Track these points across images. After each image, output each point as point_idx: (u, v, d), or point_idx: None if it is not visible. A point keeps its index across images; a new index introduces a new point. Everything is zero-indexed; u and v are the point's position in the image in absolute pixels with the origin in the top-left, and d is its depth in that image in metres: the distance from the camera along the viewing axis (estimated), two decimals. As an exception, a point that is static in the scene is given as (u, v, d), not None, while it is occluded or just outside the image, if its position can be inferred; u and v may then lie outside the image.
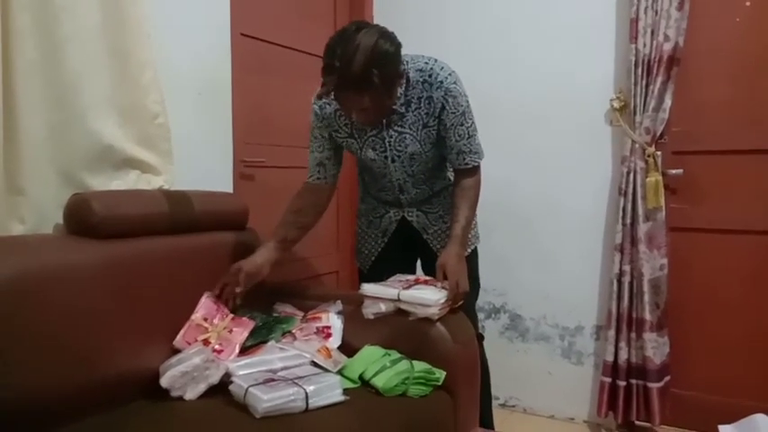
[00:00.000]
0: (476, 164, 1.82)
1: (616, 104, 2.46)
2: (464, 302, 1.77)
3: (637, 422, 2.47)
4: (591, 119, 2.56)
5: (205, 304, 1.66)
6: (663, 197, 2.34)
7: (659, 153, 2.37)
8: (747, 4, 2.32)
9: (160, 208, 1.65)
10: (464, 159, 1.80)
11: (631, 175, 2.38)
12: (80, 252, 1.45)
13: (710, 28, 2.38)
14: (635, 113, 2.37)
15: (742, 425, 1.29)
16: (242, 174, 2.22)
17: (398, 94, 1.71)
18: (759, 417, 1.28)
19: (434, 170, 1.90)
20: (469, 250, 1.98)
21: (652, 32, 2.31)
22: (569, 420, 2.66)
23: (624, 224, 2.40)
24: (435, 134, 1.78)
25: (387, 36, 1.57)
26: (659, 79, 2.30)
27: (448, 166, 1.93)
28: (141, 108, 1.73)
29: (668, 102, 2.32)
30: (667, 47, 2.28)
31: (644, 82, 2.34)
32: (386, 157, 1.82)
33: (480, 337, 2.04)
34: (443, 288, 1.68)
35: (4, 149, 1.44)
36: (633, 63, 2.34)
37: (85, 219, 1.50)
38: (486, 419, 2.04)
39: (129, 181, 1.72)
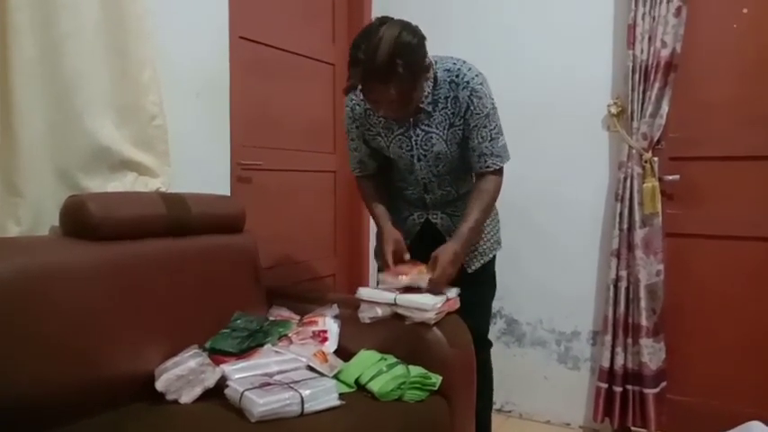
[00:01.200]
0: (497, 167, 1.82)
1: (613, 110, 2.47)
2: (472, 307, 1.78)
3: (633, 428, 2.47)
4: (588, 124, 2.57)
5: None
6: (659, 203, 2.35)
7: (656, 159, 2.37)
8: (744, 11, 2.33)
9: (157, 210, 1.65)
10: (485, 162, 1.80)
11: (628, 181, 2.39)
12: (77, 254, 1.45)
13: (708, 34, 2.39)
14: (632, 119, 2.38)
15: None
16: (239, 176, 2.22)
17: (426, 93, 1.73)
18: (754, 424, 1.28)
19: (460, 172, 1.90)
20: (491, 256, 2.00)
21: (649, 38, 2.32)
22: (565, 426, 2.66)
23: (621, 230, 2.41)
24: (461, 134, 1.80)
25: (410, 28, 1.60)
26: (656, 85, 2.31)
27: None
28: (139, 109, 1.73)
29: (665, 108, 2.33)
30: (665, 53, 2.28)
31: (641, 88, 2.35)
32: (412, 156, 1.83)
33: (488, 344, 2.04)
34: (429, 273, 1.69)
35: (1, 150, 1.44)
36: (631, 69, 2.35)
37: (82, 220, 1.49)
38: (485, 425, 2.04)
39: (126, 183, 1.72)
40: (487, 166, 1.81)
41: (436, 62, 1.74)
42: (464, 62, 1.77)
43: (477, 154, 1.80)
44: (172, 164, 1.84)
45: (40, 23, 1.50)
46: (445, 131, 1.78)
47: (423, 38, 1.62)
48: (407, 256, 1.81)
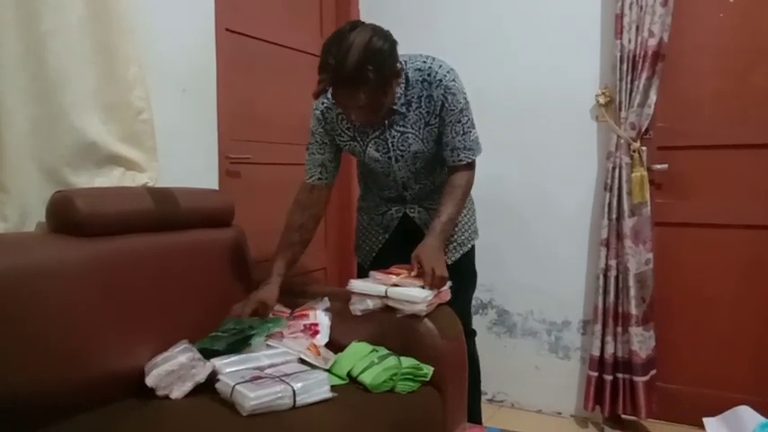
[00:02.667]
0: (469, 160, 1.82)
1: (602, 100, 2.48)
2: (452, 297, 1.78)
3: (623, 416, 2.49)
4: (577, 115, 2.57)
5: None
6: (648, 192, 2.36)
7: (644, 148, 2.38)
8: (731, 0, 2.34)
9: (145, 205, 1.63)
10: (458, 156, 1.80)
11: (617, 171, 2.40)
12: (64, 250, 1.44)
13: (695, 24, 2.40)
14: (620, 109, 2.38)
15: (726, 417, 1.30)
16: (228, 170, 2.21)
17: (398, 95, 1.72)
18: (742, 409, 1.29)
19: (437, 164, 1.90)
20: (470, 246, 2.00)
21: (637, 28, 2.32)
22: (557, 415, 2.68)
23: (610, 219, 2.42)
24: (437, 132, 1.79)
25: (381, 33, 1.57)
26: (644, 75, 2.32)
27: None
28: (126, 104, 1.71)
29: (653, 97, 2.34)
30: (652, 42, 2.29)
31: (629, 78, 2.36)
32: (389, 158, 1.82)
33: (472, 333, 2.05)
34: (418, 275, 1.68)
35: (-15, 146, 1.43)
36: (618, 59, 2.36)
37: (69, 216, 1.48)
38: (475, 415, 2.05)
39: (113, 178, 1.70)
40: (460, 160, 1.81)
41: (406, 62, 1.72)
42: (434, 59, 1.75)
43: (450, 148, 1.80)
44: (159, 158, 1.83)
45: (25, 20, 1.49)
46: (421, 130, 1.77)
47: (394, 43, 1.60)
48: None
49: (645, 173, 2.35)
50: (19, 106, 1.48)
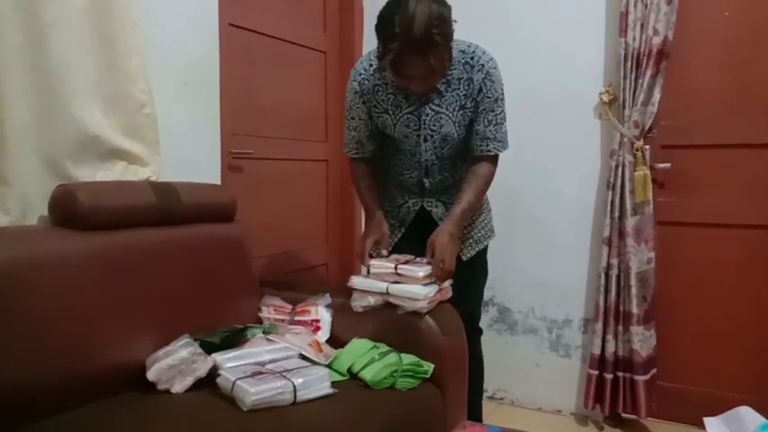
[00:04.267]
0: (498, 152, 1.83)
1: (605, 98, 2.47)
2: (464, 294, 1.78)
3: (623, 414, 2.49)
4: (580, 112, 2.57)
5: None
6: (651, 191, 2.35)
7: (648, 147, 2.38)
8: (736, -2, 2.33)
9: (147, 199, 1.63)
10: (487, 146, 1.81)
11: (620, 169, 2.39)
12: (66, 243, 1.44)
13: (700, 22, 2.39)
14: (624, 107, 2.38)
15: (727, 417, 1.30)
16: (230, 165, 2.21)
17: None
18: (743, 409, 1.29)
19: (460, 158, 1.90)
20: (485, 244, 2.00)
21: (641, 26, 2.31)
22: (557, 412, 2.68)
23: (612, 218, 2.41)
24: (470, 117, 1.80)
25: (440, 0, 1.60)
26: (648, 73, 2.31)
27: None
28: (128, 97, 1.71)
29: (657, 96, 2.33)
30: (656, 40, 2.28)
31: (633, 76, 2.35)
32: (419, 135, 1.82)
33: (479, 331, 2.05)
34: (429, 264, 1.69)
35: (-13, 139, 1.42)
36: (622, 57, 2.35)
37: (71, 210, 1.48)
38: (477, 412, 2.05)
39: (115, 172, 1.70)
40: (488, 150, 1.81)
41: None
42: (478, 46, 1.78)
43: (479, 137, 1.80)
44: (162, 152, 1.82)
45: (25, 11, 1.48)
46: (455, 113, 1.78)
47: (450, 7, 1.63)
48: (385, 253, 1.81)
49: (648, 171, 2.35)
50: (20, 98, 1.48)
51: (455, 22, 1.64)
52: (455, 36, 1.69)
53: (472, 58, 1.74)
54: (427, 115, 1.79)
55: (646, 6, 2.30)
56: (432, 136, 1.81)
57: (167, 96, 1.88)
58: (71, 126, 1.57)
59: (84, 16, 1.59)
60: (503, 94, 1.80)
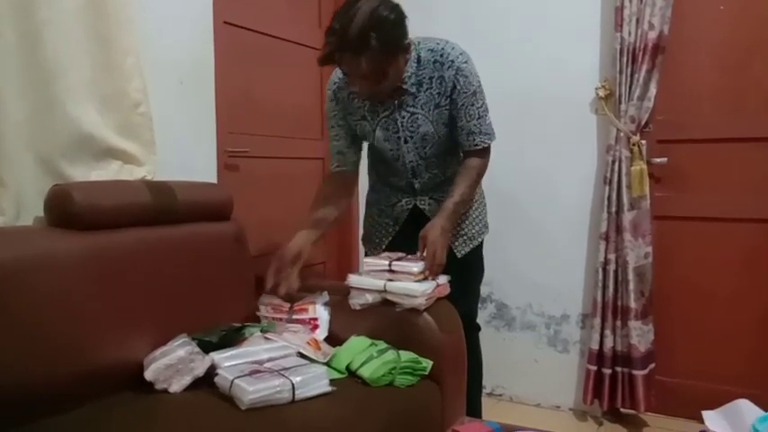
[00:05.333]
0: (485, 144, 1.83)
1: (601, 93, 2.47)
2: (460, 291, 1.78)
3: (622, 409, 2.49)
4: (576, 108, 2.57)
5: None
6: (647, 186, 2.36)
7: (644, 142, 2.38)
8: (731, -8, 2.33)
9: (143, 199, 1.63)
10: (474, 140, 1.81)
11: (616, 164, 2.39)
12: (62, 243, 1.43)
13: (695, 16, 2.39)
14: (620, 102, 2.38)
15: (725, 410, 1.30)
16: (226, 164, 2.20)
17: (409, 74, 1.73)
18: (742, 402, 1.29)
19: (447, 154, 1.90)
20: (480, 240, 2.00)
21: (637, 21, 2.31)
22: (555, 408, 2.68)
23: (609, 213, 2.42)
24: (447, 114, 1.79)
25: (388, 4, 1.59)
26: (644, 68, 2.31)
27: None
28: (123, 96, 1.70)
29: (653, 90, 2.33)
30: (652, 35, 2.28)
31: (629, 70, 2.35)
32: (398, 138, 1.82)
33: (477, 328, 2.05)
34: (421, 260, 1.69)
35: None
36: (618, 51, 2.35)
37: (67, 210, 1.47)
38: (475, 408, 2.05)
39: (110, 171, 1.69)
40: (476, 144, 1.81)
41: (419, 43, 1.74)
42: (447, 42, 1.76)
43: (465, 132, 1.80)
44: (157, 151, 1.82)
45: (20, 9, 1.47)
46: (431, 112, 1.77)
47: (402, 15, 1.61)
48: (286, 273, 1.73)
49: (644, 166, 2.35)
50: (14, 97, 1.47)
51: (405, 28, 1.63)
52: (426, 34, 1.71)
53: (441, 56, 1.73)
54: (403, 117, 1.79)
55: (641, 1, 2.30)
56: (411, 137, 1.81)
57: (163, 95, 1.87)
58: (66, 125, 1.56)
59: (80, 15, 1.58)
60: (479, 86, 1.78)
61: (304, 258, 1.77)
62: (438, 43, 1.75)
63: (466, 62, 1.74)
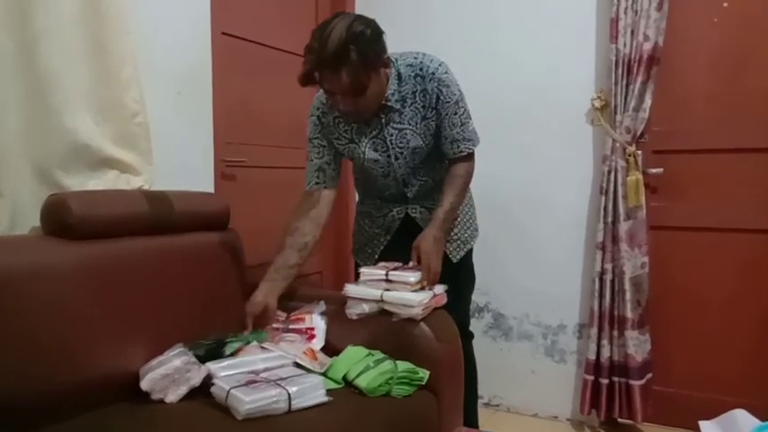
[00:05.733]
0: (470, 150, 1.84)
1: (597, 104, 2.48)
2: (452, 299, 1.78)
3: (619, 419, 2.49)
4: (573, 118, 2.58)
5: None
6: (643, 196, 2.37)
7: (640, 152, 2.39)
8: (725, 4, 2.36)
9: (139, 208, 1.63)
10: (458, 147, 1.82)
11: (612, 174, 2.40)
12: (58, 253, 1.43)
13: (689, 28, 2.41)
14: (616, 113, 2.39)
15: (722, 420, 1.29)
16: (223, 173, 2.20)
17: (392, 91, 1.73)
18: (738, 412, 1.29)
19: (435, 161, 1.90)
20: (471, 244, 2.00)
21: (632, 32, 2.33)
22: (553, 419, 2.68)
23: (605, 223, 2.42)
24: (434, 125, 1.80)
25: (363, 20, 1.61)
26: (639, 79, 2.32)
27: None
28: (120, 106, 1.70)
29: (648, 101, 2.34)
30: (647, 46, 2.30)
31: (624, 81, 2.36)
32: (389, 156, 1.82)
33: (470, 335, 2.05)
34: (417, 269, 1.69)
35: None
36: (614, 63, 2.36)
37: (63, 219, 1.47)
38: (472, 418, 2.05)
39: (107, 181, 1.69)
40: (460, 151, 1.82)
41: (397, 59, 1.75)
42: (424, 54, 1.77)
43: (449, 141, 1.81)
44: (154, 161, 1.82)
45: (17, 19, 1.48)
46: (418, 125, 1.78)
47: (378, 30, 1.63)
48: (245, 332, 1.70)
49: (640, 176, 2.36)
50: (11, 107, 1.48)
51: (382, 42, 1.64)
52: (422, 45, 1.72)
53: (421, 69, 1.74)
54: (391, 135, 1.79)
55: (636, 13, 2.32)
56: (401, 153, 1.81)
57: (160, 105, 1.88)
58: (63, 135, 1.56)
59: (77, 25, 1.59)
60: (461, 94, 1.79)
61: (273, 310, 1.74)
62: (416, 57, 1.76)
63: (446, 72, 1.76)
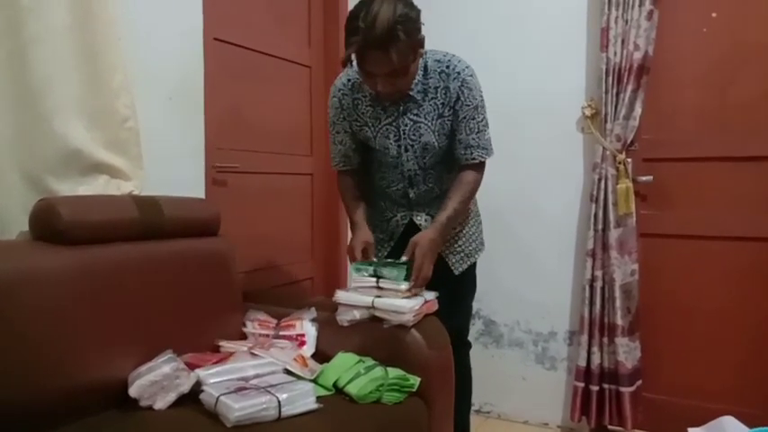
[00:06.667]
0: (482, 159, 1.84)
1: (587, 112, 2.50)
2: (453, 308, 1.78)
3: (609, 426, 2.49)
4: (563, 126, 2.60)
5: None
6: (633, 203, 2.38)
7: (630, 160, 2.41)
8: (714, 15, 2.38)
9: (129, 214, 1.62)
10: (471, 153, 1.82)
11: (602, 182, 2.42)
12: (47, 258, 1.42)
13: (679, 38, 2.44)
14: (606, 121, 2.41)
15: (711, 427, 1.30)
16: (215, 179, 2.19)
17: (416, 81, 1.75)
18: (727, 419, 1.30)
19: (445, 170, 1.90)
20: (476, 257, 2.01)
21: (622, 41, 2.35)
22: (543, 426, 2.68)
23: (596, 230, 2.43)
24: (449, 126, 1.81)
25: (406, 1, 1.62)
26: (629, 87, 2.34)
27: None
28: (111, 111, 1.70)
29: (638, 110, 2.36)
30: (637, 56, 2.32)
31: (615, 90, 2.38)
32: (399, 146, 1.83)
33: (468, 345, 2.05)
34: (408, 263, 1.69)
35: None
36: (604, 71, 2.38)
37: (52, 225, 1.46)
38: (464, 426, 2.04)
39: (97, 186, 1.68)
40: (473, 158, 1.82)
41: (426, 52, 1.76)
42: (454, 55, 1.79)
43: (463, 145, 1.81)
44: (145, 167, 1.81)
45: (8, 26, 1.47)
46: (434, 122, 1.79)
47: (418, 11, 1.65)
48: (374, 260, 1.81)
49: (630, 184, 2.38)
50: (1, 113, 1.47)
51: (423, 24, 1.67)
52: (429, 47, 1.72)
53: (447, 67, 1.76)
54: (406, 125, 1.80)
55: (626, 22, 2.34)
56: (412, 146, 1.82)
57: (152, 110, 1.87)
58: (52, 140, 1.55)
59: (68, 32, 1.58)
60: (482, 101, 1.81)
61: (373, 246, 1.84)
62: (445, 55, 1.79)
63: (471, 75, 1.77)
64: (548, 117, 2.62)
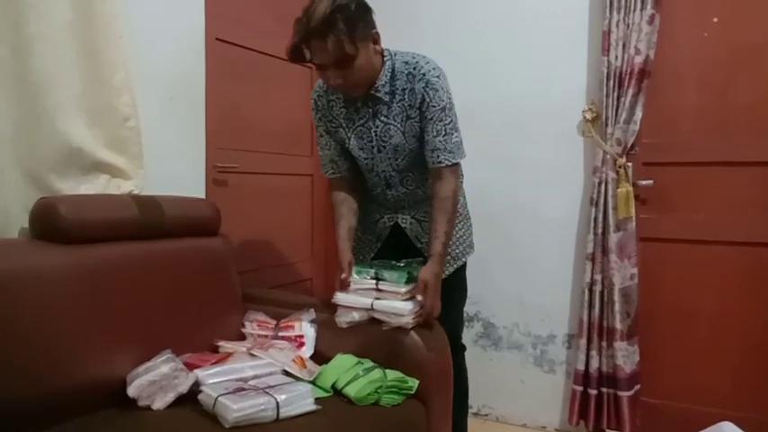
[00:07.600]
0: (449, 163, 1.77)
1: (588, 116, 2.50)
2: (443, 312, 1.78)
3: (608, 430, 2.49)
4: (564, 129, 2.59)
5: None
6: (633, 207, 2.38)
7: (630, 164, 2.41)
8: (715, 20, 2.38)
9: (130, 213, 1.62)
10: (437, 157, 1.77)
11: (603, 186, 2.42)
12: (47, 257, 1.42)
13: (680, 42, 2.43)
14: (606, 125, 2.41)
15: (709, 433, 1.30)
16: (215, 179, 2.20)
17: (383, 82, 1.74)
18: (725, 424, 1.30)
19: (423, 170, 1.87)
20: (463, 260, 1.99)
21: (624, 45, 2.35)
22: (541, 429, 2.68)
23: (595, 234, 2.43)
24: (418, 128, 1.79)
25: None
26: (630, 91, 2.34)
27: None
28: (112, 110, 1.70)
29: (639, 114, 2.36)
30: (638, 60, 2.32)
31: (615, 94, 2.38)
32: (372, 147, 1.83)
33: (462, 348, 2.05)
34: (420, 302, 1.68)
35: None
36: (605, 75, 2.38)
37: (53, 223, 1.46)
38: (462, 429, 2.04)
39: (98, 185, 1.68)
40: (440, 162, 1.77)
41: (395, 54, 1.77)
42: (423, 57, 1.78)
43: (430, 148, 1.78)
44: (145, 166, 1.81)
45: (10, 23, 1.47)
46: (402, 123, 1.79)
47: (365, 5, 1.66)
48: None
49: (630, 188, 2.37)
50: (3, 111, 1.47)
51: (374, 22, 1.68)
52: (428, 47, 1.71)
53: (414, 68, 1.75)
54: (377, 127, 1.80)
55: (627, 26, 2.34)
56: (384, 147, 1.82)
57: (152, 110, 1.87)
58: (54, 139, 1.56)
59: (69, 30, 1.59)
60: (450, 102, 1.78)
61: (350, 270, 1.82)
62: (414, 57, 1.77)
63: (438, 77, 1.75)
64: (548, 120, 2.62)
